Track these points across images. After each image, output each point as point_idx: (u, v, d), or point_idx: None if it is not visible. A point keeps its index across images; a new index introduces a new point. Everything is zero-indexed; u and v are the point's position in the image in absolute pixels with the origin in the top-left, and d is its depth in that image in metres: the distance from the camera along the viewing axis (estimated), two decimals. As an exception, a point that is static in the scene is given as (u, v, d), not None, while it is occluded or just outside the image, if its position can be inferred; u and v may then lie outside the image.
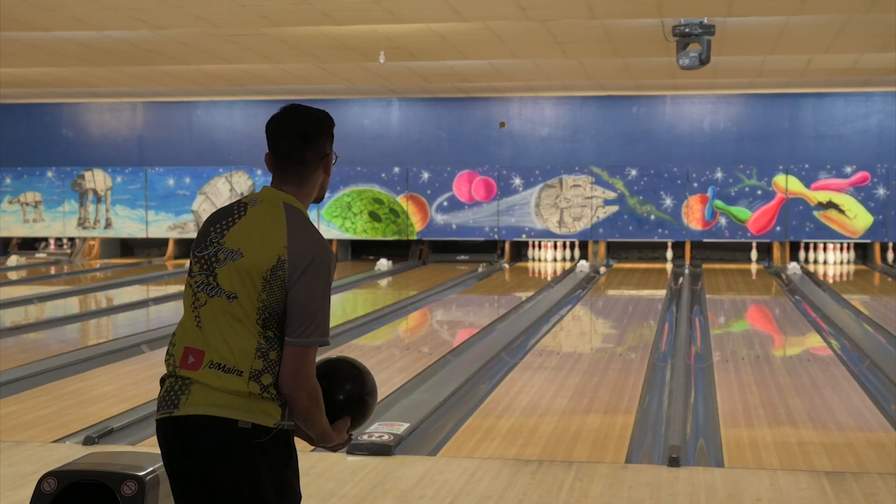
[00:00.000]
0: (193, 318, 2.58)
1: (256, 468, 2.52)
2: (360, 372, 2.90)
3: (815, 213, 17.28)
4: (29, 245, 19.82)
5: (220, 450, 2.51)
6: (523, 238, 18.11)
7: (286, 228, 2.61)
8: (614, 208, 17.80)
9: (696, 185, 17.58)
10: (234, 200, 2.81)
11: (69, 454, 5.43)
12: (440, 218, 18.13)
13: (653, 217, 17.68)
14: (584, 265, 16.59)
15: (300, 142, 2.76)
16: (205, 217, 18.71)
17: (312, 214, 18.47)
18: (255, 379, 2.54)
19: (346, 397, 2.78)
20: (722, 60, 13.82)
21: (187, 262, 17.50)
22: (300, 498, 2.64)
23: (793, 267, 16.22)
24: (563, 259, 18.17)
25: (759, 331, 11.02)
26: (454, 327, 10.47)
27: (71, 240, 19.53)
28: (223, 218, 2.66)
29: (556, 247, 18.27)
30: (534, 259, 18.30)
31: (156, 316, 11.55)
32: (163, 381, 2.67)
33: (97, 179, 19.23)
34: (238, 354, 2.54)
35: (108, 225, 19.18)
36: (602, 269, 16.80)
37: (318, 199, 2.83)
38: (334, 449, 2.76)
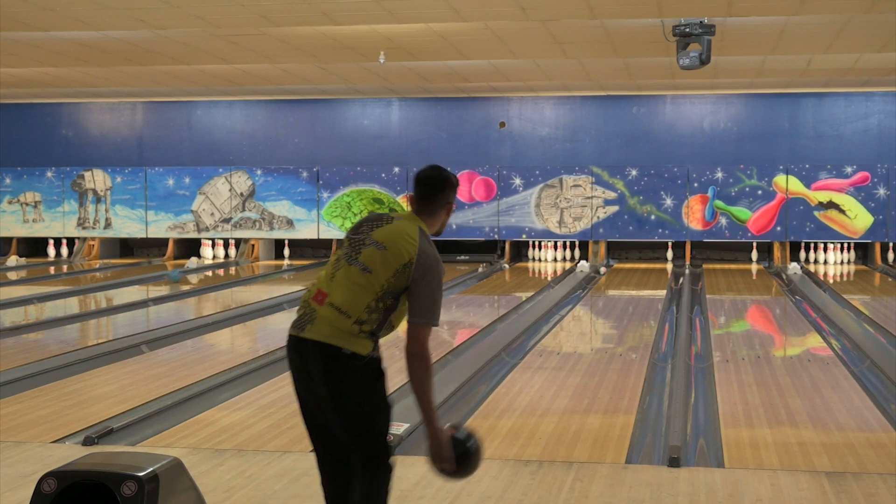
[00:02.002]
0: (331, 274, 3.62)
1: (352, 379, 3.53)
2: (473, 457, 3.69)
3: (816, 214, 17.28)
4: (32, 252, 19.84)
5: (327, 366, 3.52)
6: (523, 238, 18.12)
7: (419, 242, 3.61)
8: (614, 208, 17.80)
9: (696, 185, 17.58)
10: (384, 213, 3.77)
11: (69, 454, 5.42)
12: (440, 218, 18.12)
13: (653, 217, 17.68)
14: (584, 265, 16.59)
15: (434, 190, 3.75)
16: (204, 217, 18.74)
17: (313, 215, 18.45)
18: (357, 324, 3.54)
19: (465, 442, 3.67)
20: (722, 60, 13.82)
21: (186, 262, 17.54)
22: (389, 405, 3.62)
23: (793, 267, 16.22)
24: (564, 259, 18.17)
25: (759, 331, 11.02)
26: (454, 327, 10.46)
27: (70, 245, 19.53)
28: (375, 221, 3.70)
29: (556, 247, 18.27)
30: (534, 259, 18.30)
31: (155, 316, 11.54)
32: (300, 306, 3.67)
33: (97, 179, 19.24)
34: (352, 306, 3.54)
35: (107, 225, 19.18)
36: (602, 270, 16.80)
37: (438, 234, 3.81)
38: (441, 468, 3.63)
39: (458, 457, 3.61)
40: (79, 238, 19.40)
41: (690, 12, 10.41)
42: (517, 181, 18.03)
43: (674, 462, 5.24)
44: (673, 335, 9.97)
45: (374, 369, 3.59)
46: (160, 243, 19.46)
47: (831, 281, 15.28)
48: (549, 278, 15.73)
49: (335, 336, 3.52)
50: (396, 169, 18.34)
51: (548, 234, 17.94)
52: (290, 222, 18.64)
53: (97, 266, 17.84)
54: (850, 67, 14.70)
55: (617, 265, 17.70)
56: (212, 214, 18.88)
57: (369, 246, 3.60)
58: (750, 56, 13.69)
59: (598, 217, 17.83)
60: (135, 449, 5.61)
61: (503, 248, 18.42)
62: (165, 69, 14.93)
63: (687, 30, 10.63)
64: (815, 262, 17.53)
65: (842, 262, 17.52)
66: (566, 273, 16.14)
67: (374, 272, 3.56)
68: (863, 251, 17.72)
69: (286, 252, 19.11)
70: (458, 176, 17.65)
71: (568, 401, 6.89)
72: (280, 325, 11.05)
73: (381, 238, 3.60)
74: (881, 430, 6.09)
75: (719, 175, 17.52)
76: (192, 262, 17.75)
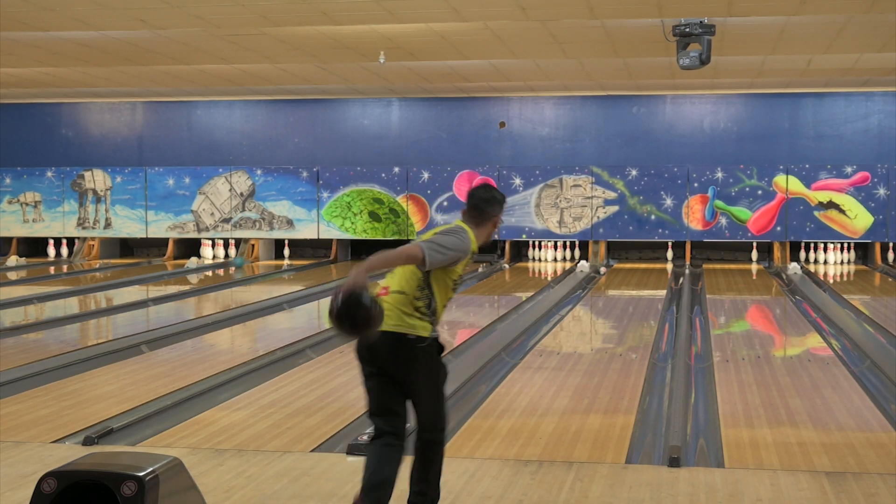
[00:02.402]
0: (391, 274, 4.27)
1: (417, 358, 4.19)
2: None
3: (816, 213, 17.28)
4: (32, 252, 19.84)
5: (395, 349, 4.16)
6: (523, 238, 18.12)
7: (456, 228, 4.29)
8: (614, 208, 17.80)
9: (696, 185, 17.58)
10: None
11: (69, 454, 5.42)
12: (440, 218, 18.13)
13: (653, 217, 17.68)
14: (584, 265, 16.59)
15: (483, 203, 4.39)
16: (204, 217, 18.75)
17: (313, 215, 18.45)
18: (414, 300, 4.17)
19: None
20: (722, 60, 13.81)
21: (186, 262, 17.51)
22: (447, 372, 4.35)
23: (793, 267, 16.21)
24: (564, 259, 18.17)
25: (759, 331, 11.02)
26: (454, 327, 10.46)
27: (70, 245, 19.53)
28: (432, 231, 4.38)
29: (556, 247, 18.27)
30: (534, 259, 18.30)
31: (155, 316, 11.54)
32: None
33: (97, 179, 19.24)
34: (407, 285, 4.19)
35: (107, 225, 19.18)
36: (602, 269, 16.80)
37: (484, 244, 4.41)
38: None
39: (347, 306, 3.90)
40: (79, 238, 19.39)
41: (690, 12, 10.41)
42: (517, 181, 18.03)
43: (674, 462, 5.24)
44: (673, 335, 9.97)
45: (434, 349, 4.25)
46: (160, 243, 19.46)
47: (831, 281, 15.28)
48: (549, 278, 15.74)
49: (401, 325, 4.14)
50: (396, 169, 18.34)
51: (548, 234, 17.95)
52: (290, 222, 18.64)
53: (97, 266, 17.84)
54: (850, 67, 14.69)
55: (617, 265, 17.70)
56: (212, 214, 18.88)
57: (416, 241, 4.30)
58: (750, 56, 13.69)
59: (598, 217, 17.84)
60: (135, 449, 5.61)
61: (503, 248, 18.42)
62: (165, 69, 14.93)
63: (687, 30, 10.63)
64: (815, 262, 17.53)
65: (842, 262, 17.52)
66: (566, 273, 16.14)
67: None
68: (863, 251, 17.72)
69: (286, 252, 19.11)
70: (458, 176, 17.91)
71: (568, 401, 6.89)
72: (280, 325, 11.05)
73: (427, 236, 4.29)
74: (881, 430, 6.10)
75: (719, 175, 17.52)
76: (192, 261, 17.76)
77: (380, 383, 4.27)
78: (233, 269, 17.37)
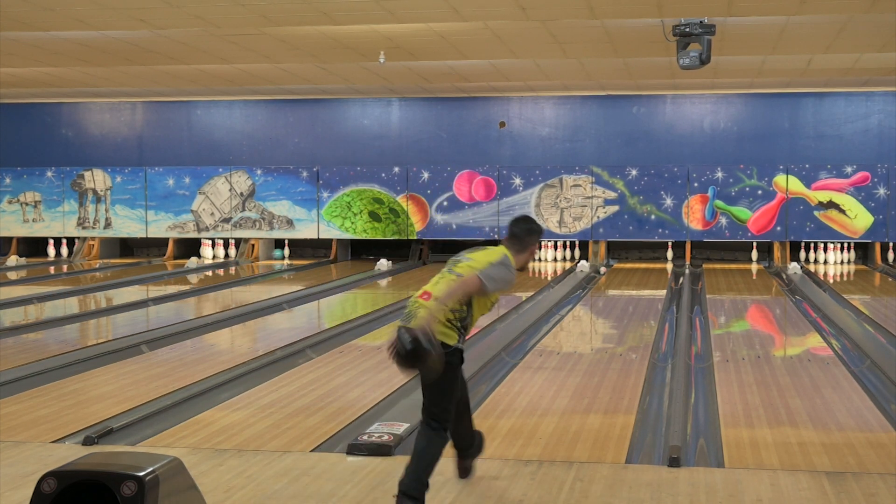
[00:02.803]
0: (435, 282, 4.74)
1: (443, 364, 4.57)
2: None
3: (816, 213, 17.28)
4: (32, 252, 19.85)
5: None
6: (523, 238, 18.09)
7: (500, 256, 4.79)
8: (614, 208, 17.80)
9: (696, 185, 17.58)
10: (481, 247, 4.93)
11: (69, 454, 5.42)
12: (440, 218, 18.13)
13: (653, 217, 17.68)
14: (584, 265, 16.59)
15: (524, 234, 4.94)
16: (204, 217, 18.75)
17: (313, 214, 18.44)
18: (451, 311, 4.63)
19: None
20: (722, 60, 13.82)
21: (186, 262, 17.52)
22: (465, 384, 4.93)
23: (793, 267, 16.21)
24: (564, 259, 18.17)
25: (759, 331, 11.02)
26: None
27: (70, 244, 19.53)
28: (473, 248, 4.91)
29: (556, 247, 18.27)
30: (534, 259, 18.29)
31: (155, 316, 11.54)
32: (408, 306, 4.71)
33: (97, 179, 19.24)
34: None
35: (107, 225, 19.18)
36: (602, 269, 16.80)
37: (521, 269, 4.94)
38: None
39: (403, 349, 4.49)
40: (79, 238, 19.39)
41: (690, 12, 10.41)
42: (517, 181, 18.03)
43: (674, 462, 5.24)
44: (673, 335, 9.96)
45: (457, 357, 4.69)
46: (160, 243, 19.46)
47: (831, 281, 15.28)
48: (549, 278, 15.74)
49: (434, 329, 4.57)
50: (396, 169, 18.34)
51: (548, 233, 17.94)
52: (290, 222, 18.64)
53: (97, 266, 17.83)
54: (850, 67, 14.70)
55: (617, 265, 17.70)
56: (212, 214, 18.88)
57: (464, 262, 4.79)
58: (750, 56, 13.69)
59: (598, 217, 17.84)
60: (135, 449, 5.61)
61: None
62: (165, 69, 14.93)
63: (687, 30, 10.63)
64: (815, 262, 17.53)
65: (842, 262, 17.52)
66: (566, 273, 16.14)
67: (462, 276, 4.68)
68: (863, 251, 17.72)
69: (286, 252, 19.11)
70: (458, 176, 17.90)
71: (568, 401, 6.89)
72: (280, 325, 11.05)
73: (473, 256, 4.82)
74: (881, 430, 6.09)
75: (719, 175, 17.52)
76: (192, 261, 17.76)
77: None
78: (276, 261, 18.52)
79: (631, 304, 12.72)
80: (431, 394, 4.67)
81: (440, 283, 4.70)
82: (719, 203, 17.50)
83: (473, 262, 4.75)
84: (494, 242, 18.35)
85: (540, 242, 5.12)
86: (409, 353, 4.42)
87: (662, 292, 13.57)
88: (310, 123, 19.25)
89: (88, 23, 10.96)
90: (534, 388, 7.29)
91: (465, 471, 5.06)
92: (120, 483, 3.39)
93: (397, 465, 5.31)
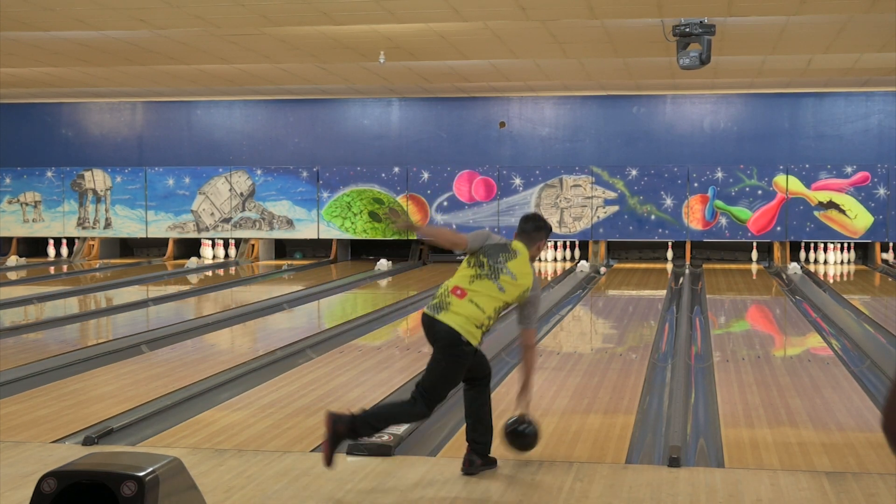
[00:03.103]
0: (470, 279, 5.12)
1: (460, 355, 5.02)
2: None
3: (816, 213, 17.28)
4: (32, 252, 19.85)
5: (449, 344, 5.01)
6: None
7: (532, 272, 5.25)
8: (614, 208, 17.80)
9: (696, 185, 17.58)
10: (505, 243, 5.28)
11: (69, 454, 5.42)
12: (440, 218, 18.13)
13: (653, 217, 17.68)
14: (584, 265, 16.59)
15: (534, 231, 5.36)
16: (204, 217, 18.74)
17: (313, 215, 18.45)
18: (487, 319, 5.06)
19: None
20: (722, 60, 13.82)
21: (186, 262, 17.51)
22: (462, 381, 5.21)
23: (793, 267, 16.21)
24: (564, 259, 18.17)
25: (759, 331, 11.02)
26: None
27: (70, 245, 19.53)
28: (506, 252, 5.23)
29: (556, 247, 18.27)
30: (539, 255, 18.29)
31: (155, 316, 11.54)
32: (436, 295, 5.16)
33: (97, 179, 19.24)
34: (487, 307, 5.06)
35: (107, 225, 19.18)
36: (602, 269, 16.80)
37: (533, 259, 5.32)
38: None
39: (512, 433, 5.29)
40: (79, 238, 19.39)
41: (690, 12, 10.41)
42: (517, 181, 18.03)
43: (674, 462, 5.24)
44: (673, 335, 9.96)
45: (474, 355, 5.10)
46: (160, 243, 19.46)
47: (831, 281, 15.28)
48: (549, 278, 15.73)
49: (462, 327, 4.98)
50: (396, 169, 18.34)
51: (548, 234, 17.91)
52: (290, 222, 18.64)
53: (97, 266, 17.83)
54: (850, 67, 14.70)
55: (617, 265, 17.70)
56: (212, 214, 18.88)
57: (506, 273, 5.14)
58: (750, 56, 13.69)
59: (598, 217, 17.84)
60: (135, 449, 5.61)
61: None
62: (165, 69, 14.93)
63: (687, 30, 10.63)
64: (815, 262, 17.52)
65: (842, 262, 17.51)
66: (566, 273, 16.14)
67: (506, 291, 5.12)
68: (863, 251, 17.72)
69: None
70: (458, 176, 17.90)
71: (568, 401, 6.89)
72: (280, 325, 11.05)
73: (514, 270, 5.17)
74: (881, 430, 6.08)
75: (719, 175, 17.52)
76: (192, 262, 17.76)
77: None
78: (296, 261, 18.80)
79: (631, 304, 12.72)
80: (432, 372, 5.03)
81: (481, 290, 5.08)
82: (719, 203, 17.50)
83: (518, 281, 5.15)
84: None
85: (547, 240, 5.44)
86: (531, 442, 5.32)
87: (662, 292, 13.57)
88: (310, 123, 19.25)
89: (88, 23, 10.96)
90: (534, 388, 7.29)
91: (468, 462, 5.12)
92: (120, 483, 3.39)
93: (397, 465, 5.31)
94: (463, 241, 5.21)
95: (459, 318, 4.99)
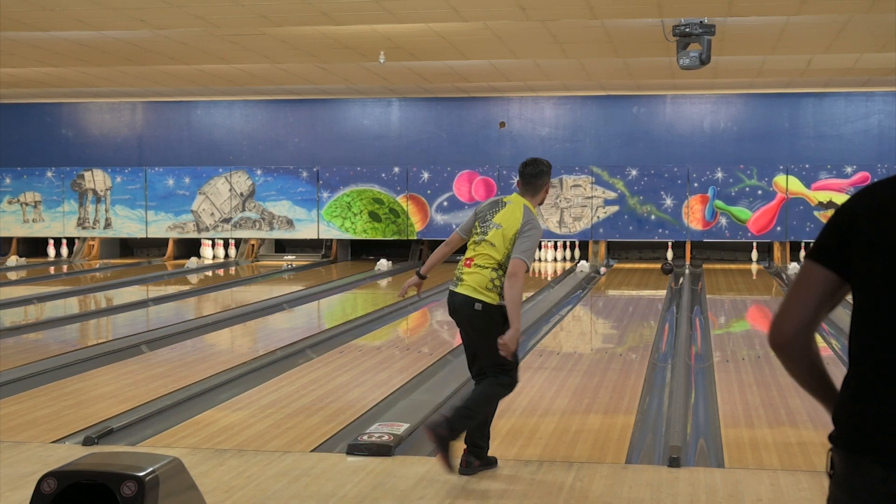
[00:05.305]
0: (473, 247, 5.21)
1: (488, 322, 5.10)
2: None
3: (816, 214, 17.28)
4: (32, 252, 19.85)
5: (469, 312, 5.14)
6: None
7: (523, 215, 5.16)
8: (614, 208, 17.80)
9: (696, 185, 17.58)
10: (497, 198, 5.31)
11: (69, 454, 5.42)
12: (440, 218, 18.13)
13: (653, 217, 17.68)
14: (584, 265, 16.59)
15: (534, 179, 5.29)
16: (204, 217, 18.73)
17: (313, 215, 18.45)
18: (492, 278, 5.09)
19: None
20: (722, 60, 13.81)
21: (186, 263, 17.52)
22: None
23: (793, 267, 16.22)
24: (564, 259, 18.17)
25: (759, 331, 11.01)
26: (454, 327, 10.45)
27: (70, 245, 19.52)
28: (494, 207, 5.26)
29: (556, 247, 18.27)
30: (534, 259, 18.28)
31: (155, 316, 11.54)
32: (456, 270, 5.24)
33: (97, 179, 19.24)
34: (487, 267, 5.12)
35: (107, 225, 19.18)
36: (602, 270, 16.80)
37: (541, 203, 5.34)
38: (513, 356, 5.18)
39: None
40: (79, 238, 19.39)
41: (690, 12, 10.41)
42: (517, 181, 18.01)
43: (674, 462, 5.24)
44: (673, 335, 9.96)
45: (500, 314, 5.08)
46: (160, 243, 19.46)
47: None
48: (549, 278, 15.74)
49: (476, 292, 5.09)
50: (396, 169, 18.34)
51: (548, 234, 17.94)
52: (290, 222, 18.64)
53: (97, 266, 17.83)
54: (850, 67, 14.69)
55: (617, 265, 17.70)
56: (212, 214, 18.88)
57: (493, 227, 5.16)
58: (750, 56, 13.69)
59: (598, 217, 17.84)
60: (135, 449, 5.61)
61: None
62: (165, 69, 14.93)
63: (687, 30, 10.63)
64: (815, 262, 17.49)
65: (842, 262, 17.49)
66: (566, 273, 16.14)
67: (496, 245, 5.12)
68: (863, 251, 17.69)
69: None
70: (458, 176, 17.89)
71: (568, 401, 6.89)
72: (280, 325, 11.05)
73: (501, 220, 5.17)
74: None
75: (719, 175, 17.52)
76: (192, 262, 17.76)
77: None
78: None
79: (631, 305, 12.72)
80: (490, 351, 5.07)
81: (479, 252, 5.14)
82: (719, 203, 17.50)
83: (504, 229, 5.11)
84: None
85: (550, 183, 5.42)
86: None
87: (662, 292, 13.57)
88: (310, 123, 19.25)
89: (88, 23, 10.96)
90: (534, 388, 7.29)
91: (465, 463, 5.11)
92: (120, 483, 3.39)
93: (397, 465, 5.31)
94: (452, 236, 5.38)
95: (469, 287, 5.11)
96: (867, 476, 2.03)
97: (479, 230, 5.24)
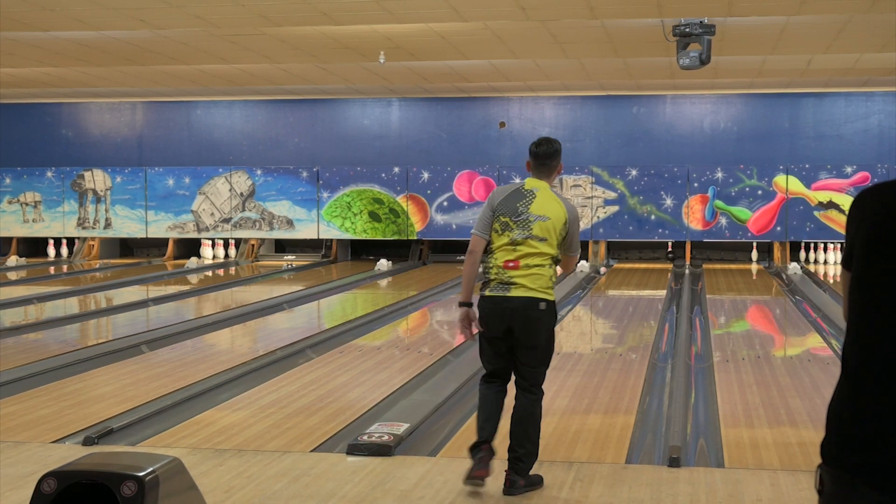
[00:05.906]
0: (510, 247, 4.84)
1: (551, 319, 4.92)
2: None
3: (816, 214, 17.27)
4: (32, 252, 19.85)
5: (533, 314, 4.83)
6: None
7: (563, 204, 4.94)
8: (614, 208, 17.80)
9: (696, 185, 17.57)
10: (514, 187, 4.98)
11: (69, 454, 5.42)
12: (440, 218, 18.13)
13: (653, 217, 17.68)
14: (584, 265, 16.58)
15: (547, 159, 5.04)
16: (204, 217, 18.71)
17: (313, 215, 18.44)
18: (549, 277, 4.86)
19: None
20: (722, 60, 13.81)
21: (186, 263, 17.51)
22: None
23: (793, 267, 16.21)
24: (564, 259, 18.14)
25: (759, 331, 11.02)
26: (454, 327, 10.46)
27: (70, 245, 19.52)
28: (520, 198, 4.93)
29: (556, 247, 18.24)
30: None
31: (155, 316, 11.54)
32: (486, 281, 4.94)
33: (97, 179, 19.23)
34: (544, 265, 4.85)
35: (107, 225, 19.17)
36: (602, 269, 16.79)
37: (552, 185, 5.08)
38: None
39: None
40: (79, 238, 19.39)
41: (690, 12, 10.41)
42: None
43: (674, 462, 5.24)
44: (673, 335, 9.96)
45: (555, 312, 4.94)
46: (160, 243, 19.46)
47: (831, 281, 15.27)
48: (549, 278, 15.72)
49: (537, 292, 4.82)
50: (396, 169, 18.34)
51: (548, 234, 17.91)
52: (290, 222, 18.64)
53: (97, 266, 17.83)
54: (850, 67, 14.69)
55: (617, 265, 17.69)
56: (212, 214, 18.88)
57: (535, 220, 4.86)
58: (750, 56, 13.69)
59: (598, 217, 17.84)
60: (135, 449, 5.61)
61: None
62: (165, 69, 14.93)
63: (687, 30, 10.63)
64: (815, 262, 17.52)
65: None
66: (566, 273, 16.11)
67: (548, 239, 4.86)
68: (863, 251, 17.68)
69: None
70: (458, 176, 17.89)
71: (568, 401, 6.88)
72: (280, 325, 11.05)
73: (542, 211, 4.88)
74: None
75: (719, 175, 17.52)
76: (192, 262, 17.76)
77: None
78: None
79: (631, 305, 12.72)
80: (545, 348, 4.91)
81: (526, 251, 4.82)
82: (719, 203, 17.50)
83: (552, 220, 4.86)
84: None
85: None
86: None
87: (662, 292, 13.57)
88: (310, 123, 19.25)
89: (88, 23, 10.96)
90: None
91: (509, 483, 4.85)
92: (120, 483, 3.39)
93: (397, 465, 5.31)
94: (476, 243, 4.96)
95: (527, 289, 4.80)
96: (860, 500, 1.94)
97: (512, 226, 4.87)
